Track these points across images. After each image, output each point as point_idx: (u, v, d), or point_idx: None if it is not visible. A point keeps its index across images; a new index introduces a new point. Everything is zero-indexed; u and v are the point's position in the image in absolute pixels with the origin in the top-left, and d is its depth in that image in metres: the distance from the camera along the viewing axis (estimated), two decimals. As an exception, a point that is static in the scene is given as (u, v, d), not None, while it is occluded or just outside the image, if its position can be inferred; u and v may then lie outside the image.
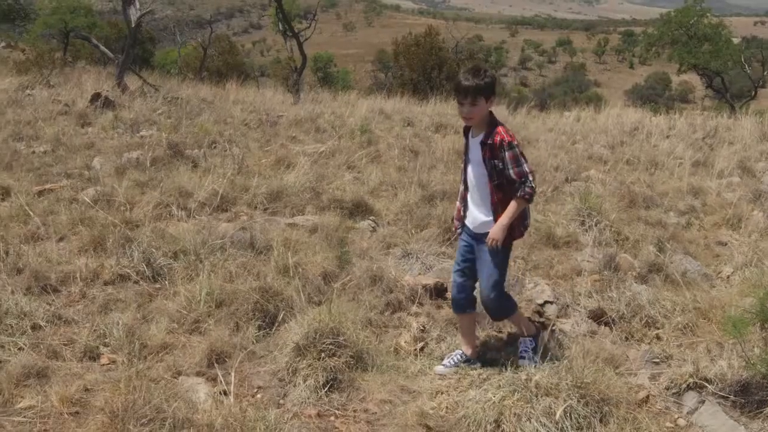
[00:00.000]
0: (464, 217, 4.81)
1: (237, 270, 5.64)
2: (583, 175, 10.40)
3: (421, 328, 5.21)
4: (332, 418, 4.16)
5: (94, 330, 4.83)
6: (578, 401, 4.05)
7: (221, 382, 4.26)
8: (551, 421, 3.95)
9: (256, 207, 7.62)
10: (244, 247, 6.16)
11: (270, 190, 7.88)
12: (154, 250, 5.90)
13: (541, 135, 14.00)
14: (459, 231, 4.89)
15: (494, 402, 4.17)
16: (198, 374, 4.46)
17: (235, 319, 5.00)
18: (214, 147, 10.38)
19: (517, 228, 4.66)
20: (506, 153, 4.41)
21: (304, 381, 4.39)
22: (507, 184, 4.49)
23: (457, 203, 4.93)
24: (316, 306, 5.12)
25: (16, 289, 5.27)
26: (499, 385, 4.30)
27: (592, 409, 4.05)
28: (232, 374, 4.29)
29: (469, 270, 4.80)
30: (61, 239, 6.46)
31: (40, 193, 7.74)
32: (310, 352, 4.51)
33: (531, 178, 4.47)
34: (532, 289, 5.93)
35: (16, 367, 4.32)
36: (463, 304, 4.86)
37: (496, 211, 4.57)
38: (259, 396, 4.35)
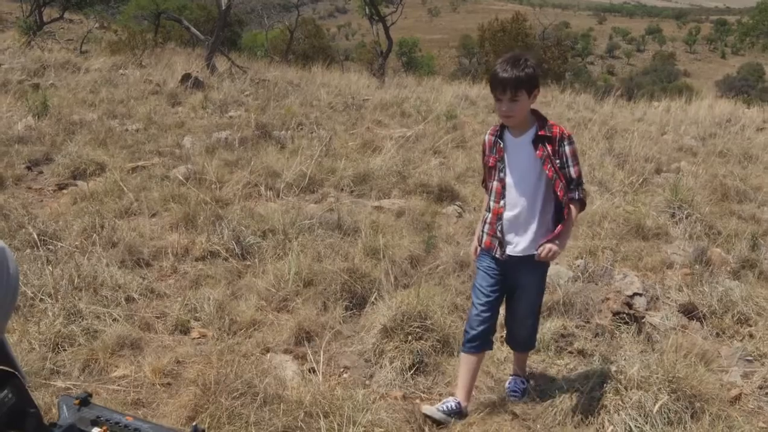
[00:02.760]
0: (497, 242, 3.96)
1: (325, 250, 5.68)
2: (674, 166, 10.15)
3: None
4: (417, 400, 4.16)
5: (186, 304, 4.92)
6: (669, 396, 3.95)
7: (310, 360, 4.29)
8: (641, 414, 3.86)
9: (342, 189, 7.65)
10: (331, 228, 6.19)
11: (356, 173, 7.91)
12: (243, 229, 5.99)
13: (630, 125, 13.71)
14: (492, 251, 3.98)
15: (582, 392, 4.10)
16: (286, 352, 4.51)
17: (323, 299, 5.03)
18: (301, 129, 10.46)
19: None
20: (567, 147, 3.80)
21: (391, 363, 4.40)
22: (562, 187, 3.79)
23: (479, 229, 4.07)
24: (403, 289, 5.11)
25: (111, 262, 5.40)
26: (588, 376, 4.23)
27: (683, 404, 3.94)
28: (321, 353, 4.32)
29: (497, 302, 4.05)
30: (153, 215, 6.61)
31: (133, 169, 7.93)
32: (397, 334, 4.51)
33: (583, 180, 3.89)
34: (621, 281, 5.81)
35: (112, 338, 4.43)
36: (484, 342, 4.07)
37: (542, 233, 3.86)
38: (345, 376, 4.38)
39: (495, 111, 4.11)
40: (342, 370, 4.44)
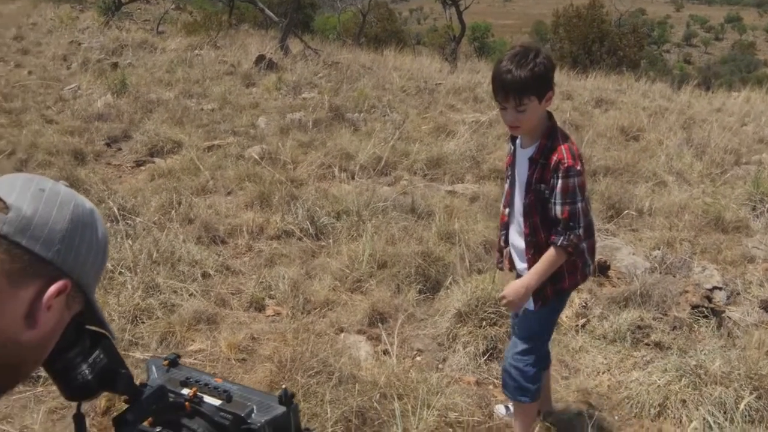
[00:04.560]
0: (498, 254, 3.60)
1: (399, 233, 5.66)
2: (754, 158, 9.85)
3: (583, 304, 5.07)
4: (490, 386, 4.12)
5: (260, 282, 4.97)
6: (750, 393, 3.84)
7: (384, 341, 4.29)
8: (720, 411, 3.76)
9: (415, 172, 7.62)
10: (405, 211, 6.17)
11: (430, 157, 7.87)
12: (317, 209, 6.01)
13: (708, 115, 13.35)
14: (501, 265, 3.61)
15: (659, 386, 4.02)
16: (359, 332, 4.51)
17: (397, 282, 5.02)
18: (373, 111, 10.45)
19: (568, 278, 3.27)
20: (559, 182, 3.02)
21: (464, 348, 4.37)
22: (552, 224, 3.13)
23: (499, 230, 3.57)
24: (478, 274, 5.07)
25: (187, 238, 5.48)
26: (665, 369, 4.13)
27: (766, 402, 3.84)
28: (395, 335, 4.31)
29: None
30: (228, 193, 6.68)
31: (209, 148, 8.03)
32: (471, 319, 4.48)
33: (579, 225, 3.07)
34: (700, 274, 5.66)
35: (188, 312, 4.50)
36: None
37: (535, 258, 3.21)
38: (418, 359, 4.36)
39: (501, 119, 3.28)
40: (415, 353, 4.43)
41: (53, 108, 9.98)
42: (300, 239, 5.69)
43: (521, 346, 3.35)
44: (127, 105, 9.81)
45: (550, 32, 29.73)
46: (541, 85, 2.99)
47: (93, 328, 1.38)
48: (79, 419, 1.44)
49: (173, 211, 5.95)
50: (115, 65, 12.84)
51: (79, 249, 1.24)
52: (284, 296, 4.80)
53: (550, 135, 3.11)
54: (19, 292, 1.17)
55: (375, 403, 3.60)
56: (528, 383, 3.35)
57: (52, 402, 3.87)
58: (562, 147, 3.05)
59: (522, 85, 2.95)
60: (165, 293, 4.69)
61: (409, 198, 6.40)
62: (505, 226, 3.43)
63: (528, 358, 3.35)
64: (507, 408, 3.78)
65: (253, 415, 1.42)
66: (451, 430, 3.63)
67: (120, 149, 8.24)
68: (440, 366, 4.29)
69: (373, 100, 10.98)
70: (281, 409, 1.44)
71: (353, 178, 7.19)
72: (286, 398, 1.46)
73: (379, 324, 4.54)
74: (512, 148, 3.32)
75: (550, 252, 3.10)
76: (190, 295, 4.74)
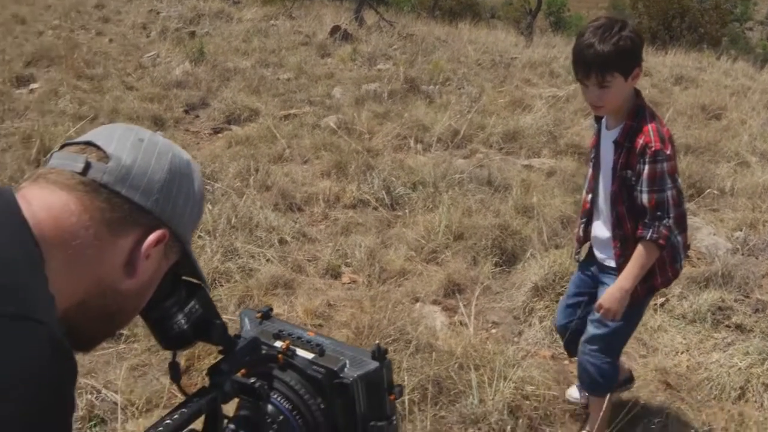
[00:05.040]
0: (577, 244, 3.36)
1: (475, 205, 5.62)
2: None
3: (664, 285, 4.98)
4: (566, 362, 4.07)
5: (337, 250, 5.00)
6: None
7: (461, 312, 4.28)
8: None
9: (491, 146, 7.55)
10: (481, 183, 6.12)
11: (506, 131, 7.78)
12: (393, 179, 6.01)
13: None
14: (578, 256, 3.39)
15: (741, 368, 3.92)
16: (434, 302, 4.50)
17: (473, 254, 4.99)
18: (449, 84, 10.36)
19: (660, 274, 3.03)
20: (646, 166, 2.79)
21: (540, 322, 4.33)
22: (639, 214, 2.91)
23: (578, 219, 3.34)
24: (555, 249, 5.01)
25: (265, 204, 5.54)
26: (747, 352, 4.03)
27: None
28: (472, 306, 4.29)
29: (581, 308, 3.32)
30: (304, 162, 6.72)
31: (285, 117, 8.08)
32: (548, 293, 4.44)
33: (668, 215, 2.84)
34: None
35: (266, 276, 4.55)
36: (569, 345, 3.49)
37: (622, 250, 3.01)
38: (493, 331, 4.34)
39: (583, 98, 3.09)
40: (490, 325, 4.40)
41: (133, 75, 10.15)
42: (375, 209, 5.69)
43: (600, 344, 3.17)
44: (205, 73, 9.91)
45: (628, 7, 29.01)
46: (626, 61, 2.77)
47: (188, 279, 1.40)
48: (174, 367, 1.46)
49: (251, 178, 6.01)
50: (192, 34, 12.98)
51: (176, 199, 1.25)
52: (360, 264, 4.82)
53: (637, 115, 2.88)
54: (119, 240, 1.19)
55: (451, 373, 3.60)
56: (606, 380, 3.23)
57: (133, 359, 3.96)
58: (650, 128, 2.81)
59: (605, 60, 2.74)
60: (243, 258, 4.75)
61: (486, 171, 6.35)
62: (587, 214, 3.21)
63: (606, 355, 3.19)
64: (580, 390, 3.63)
65: (345, 369, 1.41)
66: (527, 402, 3.60)
67: (198, 116, 8.34)
68: (515, 339, 4.26)
69: (448, 73, 10.88)
70: (374, 365, 1.43)
71: (428, 150, 7.15)
72: (380, 354, 1.44)
73: (457, 294, 4.52)
74: (597, 128, 3.13)
75: (639, 249, 2.88)
76: (267, 261, 4.79)
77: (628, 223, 2.96)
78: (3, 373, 0.93)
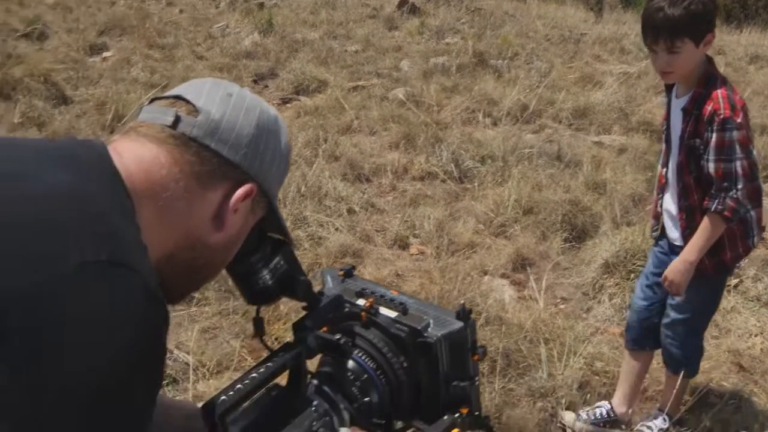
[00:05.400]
0: (653, 220, 3.24)
1: (545, 180, 5.56)
2: None
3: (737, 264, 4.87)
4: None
5: (405, 221, 5.00)
6: None
7: (530, 287, 4.25)
8: None
9: (560, 121, 7.44)
10: (551, 159, 6.05)
11: (575, 106, 7.65)
12: (462, 152, 5.97)
13: None
14: (655, 233, 3.22)
15: None
16: (503, 276, 4.48)
17: (542, 229, 4.95)
18: (517, 59, 10.23)
19: (729, 248, 2.92)
20: (714, 134, 2.67)
21: (610, 299, 4.27)
22: (706, 185, 2.79)
23: (655, 194, 3.22)
24: (626, 226, 4.93)
25: (333, 174, 5.56)
26: None
27: None
28: (543, 281, 4.25)
29: (660, 289, 3.11)
30: (372, 133, 6.71)
31: (353, 88, 8.08)
32: (619, 270, 4.38)
33: (736, 187, 2.70)
34: None
35: (335, 245, 4.57)
36: (641, 336, 3.28)
37: (687, 222, 2.91)
38: (562, 307, 4.30)
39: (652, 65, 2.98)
40: (558, 300, 4.37)
41: (203, 45, 10.25)
42: (444, 181, 5.67)
43: (682, 327, 3.10)
44: (274, 44, 9.96)
45: (701, -15, 28.20)
46: (697, 26, 2.66)
47: (274, 234, 1.39)
48: (258, 322, 1.48)
49: (319, 148, 6.03)
50: (261, 5, 13.02)
51: (264, 155, 1.25)
52: (428, 236, 4.81)
53: (707, 82, 2.75)
54: (208, 194, 1.19)
55: (521, 346, 3.58)
56: (691, 361, 3.19)
57: (204, 322, 4.03)
58: (719, 95, 2.68)
59: (675, 25, 2.64)
60: (312, 226, 4.78)
61: (555, 146, 6.28)
62: (662, 189, 3.09)
63: (690, 337, 3.14)
64: (578, 416, 3.37)
65: (429, 328, 1.41)
66: (597, 378, 3.57)
67: (267, 86, 8.40)
68: (584, 316, 4.21)
69: (517, 48, 10.74)
70: (458, 324, 1.42)
71: (497, 124, 7.09)
72: (464, 314, 1.44)
73: (528, 268, 4.49)
74: (668, 99, 3.02)
75: (705, 221, 2.79)
76: (335, 230, 4.82)
77: (695, 194, 2.87)
78: (100, 319, 0.95)
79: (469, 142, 6.27)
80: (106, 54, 9.68)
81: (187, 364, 3.59)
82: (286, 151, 1.32)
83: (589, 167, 5.72)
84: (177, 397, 3.40)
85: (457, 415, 1.44)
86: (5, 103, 7.29)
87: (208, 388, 3.40)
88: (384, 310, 1.46)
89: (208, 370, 3.63)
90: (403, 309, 1.44)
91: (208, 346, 3.83)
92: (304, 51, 9.70)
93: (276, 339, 3.73)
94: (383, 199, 5.47)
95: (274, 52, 9.54)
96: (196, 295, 4.11)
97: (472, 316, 1.46)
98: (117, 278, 0.97)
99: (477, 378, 1.49)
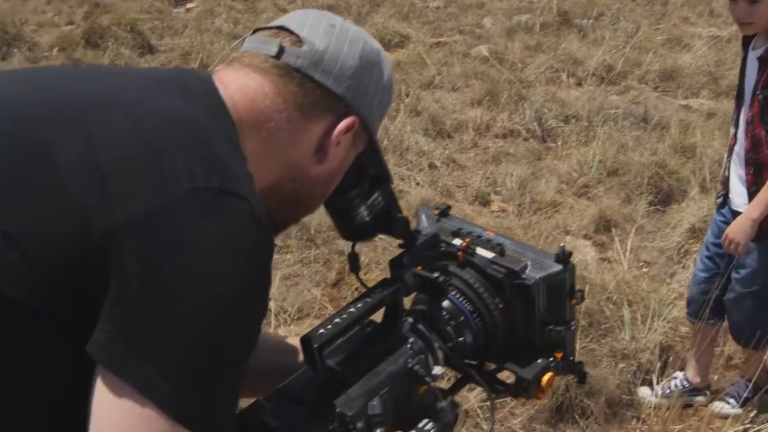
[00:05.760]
0: (720, 186, 3.14)
1: (631, 142, 5.46)
2: None
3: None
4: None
5: (487, 177, 4.97)
6: None
7: (613, 249, 4.19)
8: None
9: (646, 83, 7.26)
10: (637, 121, 5.92)
11: (662, 69, 7.46)
12: (546, 111, 5.89)
13: None
14: (719, 199, 3.12)
15: None
16: (585, 237, 4.43)
17: (626, 191, 4.86)
18: (602, 19, 10.00)
19: None
20: None
21: (695, 264, 4.18)
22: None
23: (725, 157, 3.16)
24: (713, 192, 4.81)
25: (415, 129, 5.54)
26: None
27: None
28: (628, 243, 4.19)
29: (721, 259, 3.06)
30: (454, 89, 6.67)
31: (435, 44, 8.02)
32: (705, 236, 4.28)
33: None
34: None
35: (416, 199, 4.58)
36: (700, 308, 3.15)
37: (755, 178, 2.80)
38: (644, 270, 4.23)
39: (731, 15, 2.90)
40: (641, 264, 4.30)
41: (285, -2, 10.28)
42: (526, 140, 5.62)
43: (750, 301, 2.99)
44: (355, -2, 9.94)
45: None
46: None
47: (372, 170, 1.38)
48: (353, 258, 1.45)
49: (401, 103, 6.01)
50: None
51: (367, 87, 1.23)
52: (510, 194, 4.78)
53: None
54: (310, 125, 1.18)
55: (603, 307, 3.54)
56: (762, 319, 3.01)
57: (286, 269, 4.09)
58: None
59: None
60: (394, 180, 4.78)
61: (642, 108, 6.14)
62: (731, 150, 2.99)
63: (758, 310, 3.00)
64: (653, 390, 3.32)
65: (527, 270, 1.37)
66: (680, 343, 3.52)
67: (348, 40, 8.39)
68: (668, 280, 4.14)
69: (602, 8, 10.49)
70: (557, 267, 1.37)
71: (581, 84, 6.96)
72: (564, 256, 1.39)
73: (614, 229, 4.43)
74: (744, 55, 2.93)
75: None
76: (417, 184, 4.82)
77: (766, 149, 2.76)
78: (212, 246, 0.95)
79: (552, 102, 6.17)
80: (190, 5, 9.78)
81: (269, 309, 3.64)
82: (388, 85, 1.29)
83: (676, 131, 5.58)
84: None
85: (551, 359, 1.42)
86: (94, 51, 7.44)
87: (289, 333, 3.45)
88: (480, 251, 1.42)
89: (289, 316, 3.69)
90: (500, 250, 1.41)
91: (290, 293, 3.88)
92: (386, 6, 9.63)
93: (356, 289, 3.76)
94: (465, 155, 5.44)
95: (356, 6, 9.51)
96: (278, 242, 4.16)
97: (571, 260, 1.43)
98: (227, 205, 0.98)
99: (573, 323, 1.46)
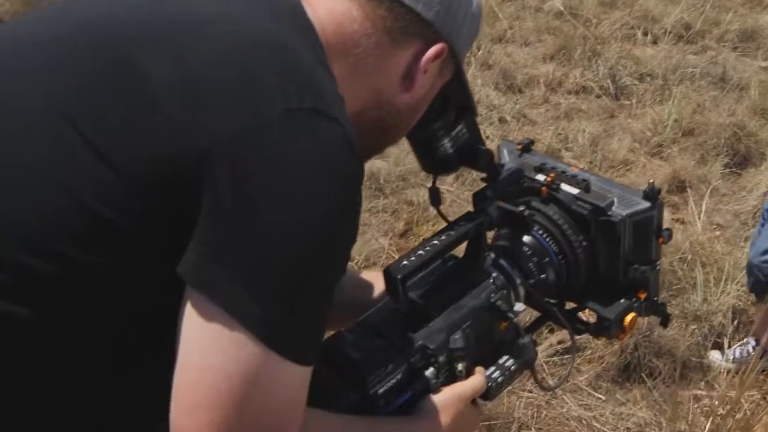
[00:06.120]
0: None
1: (708, 102, 5.31)
2: None
3: None
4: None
5: (558, 134, 4.89)
6: None
7: (690, 210, 4.11)
8: None
9: (725, 44, 7.05)
10: (714, 80, 5.75)
11: (742, 29, 7.21)
12: (620, 68, 5.75)
13: None
14: None
15: None
16: (658, 196, 4.35)
17: (702, 151, 4.74)
18: (680, -24, 9.73)
19: None
20: None
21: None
22: None
23: None
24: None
25: (486, 82, 5.47)
26: None
27: None
28: (703, 203, 4.11)
29: None
30: (526, 44, 6.55)
31: (507, -1, 7.87)
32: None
33: None
34: None
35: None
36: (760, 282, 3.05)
37: None
38: (717, 233, 4.15)
39: None
40: (715, 227, 4.21)
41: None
42: (599, 97, 5.50)
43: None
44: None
45: None
46: None
47: (457, 101, 1.33)
48: (434, 192, 1.44)
49: (472, 56, 5.92)
50: None
51: (456, 14, 1.18)
52: (582, 150, 4.70)
53: None
54: (398, 51, 1.15)
55: (677, 268, 3.49)
56: None
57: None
58: None
59: None
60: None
61: (720, 68, 5.96)
62: None
63: None
64: (724, 355, 3.28)
65: (613, 207, 1.34)
66: (753, 308, 3.45)
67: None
68: (741, 244, 4.04)
69: (680, -35, 10.20)
70: (645, 204, 1.35)
71: (657, 42, 6.78)
72: (652, 193, 1.36)
73: (688, 190, 4.34)
74: None
75: None
76: (486, 137, 4.75)
77: None
78: (306, 168, 0.94)
79: (627, 59, 6.02)
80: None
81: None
82: (477, 13, 1.25)
83: (756, 92, 5.41)
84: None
85: (634, 299, 1.40)
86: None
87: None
88: (565, 187, 1.39)
89: (356, 264, 3.70)
90: (585, 186, 1.37)
91: (357, 241, 3.88)
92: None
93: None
94: (535, 110, 5.35)
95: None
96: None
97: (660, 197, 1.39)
98: (321, 127, 0.96)
99: (659, 262, 1.43)
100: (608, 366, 3.16)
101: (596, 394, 3.10)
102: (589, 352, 3.24)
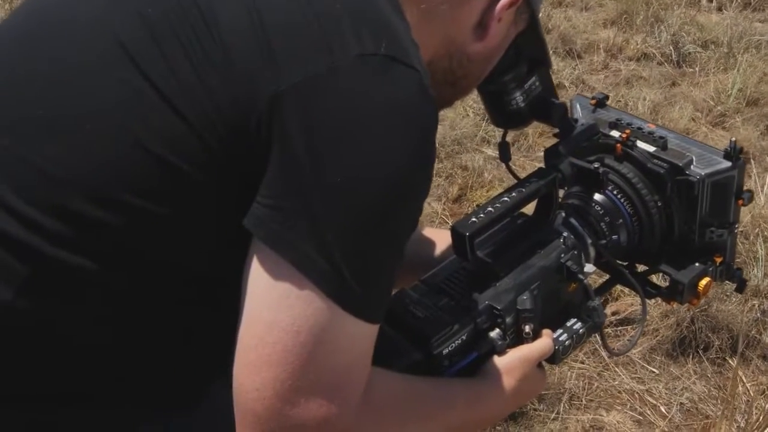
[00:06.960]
0: None
1: (775, 72, 5.17)
2: None
3: None
4: None
5: (618, 101, 4.78)
6: None
7: (752, 182, 3.99)
8: None
9: (794, 12, 6.85)
10: (782, 49, 5.59)
11: (813, -3, 7.00)
12: (684, 35, 5.61)
13: None
14: None
15: None
16: (719, 168, 4.24)
17: (766, 122, 4.62)
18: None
19: None
20: None
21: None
22: None
23: None
24: None
25: (547, 47, 5.38)
26: None
27: None
28: (766, 177, 3.99)
29: None
30: (586, 8, 6.41)
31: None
32: None
33: None
34: None
35: (540, 120, 4.46)
36: None
37: None
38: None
39: None
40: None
41: None
42: (660, 64, 5.36)
43: None
44: None
45: None
46: None
47: (531, 52, 1.30)
48: (504, 147, 1.41)
49: (531, 19, 5.83)
50: None
51: None
52: (643, 118, 4.60)
53: None
54: None
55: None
56: None
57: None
58: None
59: None
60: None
61: (788, 36, 5.79)
62: None
63: None
64: None
65: (692, 166, 1.28)
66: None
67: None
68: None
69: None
70: (725, 164, 1.28)
71: (722, 9, 6.59)
72: (734, 152, 1.30)
73: (751, 161, 4.22)
74: None
75: None
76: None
77: None
78: (380, 116, 0.91)
79: (691, 25, 5.87)
80: None
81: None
82: None
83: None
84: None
85: (709, 263, 1.35)
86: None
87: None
88: (641, 144, 1.34)
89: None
90: (662, 143, 1.32)
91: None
92: None
93: (477, 206, 3.71)
94: (595, 76, 5.24)
95: None
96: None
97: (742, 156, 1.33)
98: (397, 73, 0.92)
99: (737, 225, 1.38)
100: (663, 339, 3.09)
101: (649, 368, 3.03)
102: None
